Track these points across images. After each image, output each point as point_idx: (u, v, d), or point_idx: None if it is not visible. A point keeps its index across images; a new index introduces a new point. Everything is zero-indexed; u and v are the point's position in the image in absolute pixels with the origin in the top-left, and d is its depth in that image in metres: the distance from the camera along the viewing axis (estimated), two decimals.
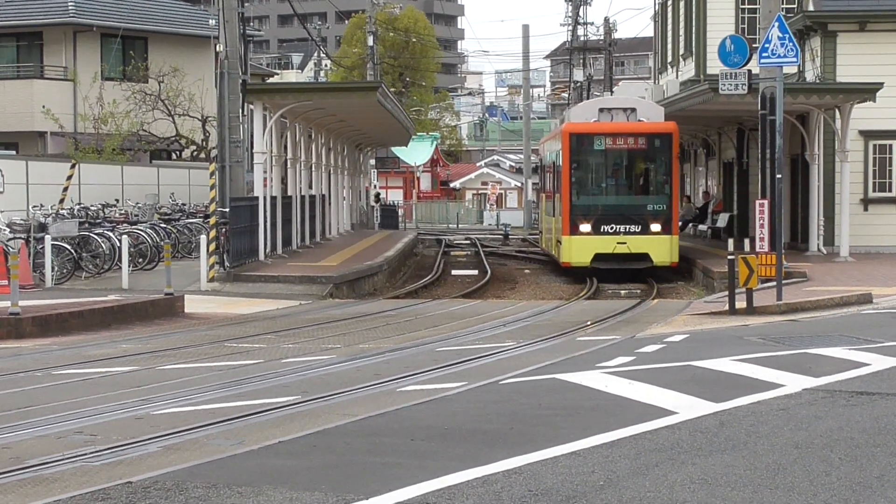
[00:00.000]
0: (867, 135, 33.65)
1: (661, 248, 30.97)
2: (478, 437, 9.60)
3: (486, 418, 10.42)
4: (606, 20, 66.63)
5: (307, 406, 11.48)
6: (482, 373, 13.48)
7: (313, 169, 39.45)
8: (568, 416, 10.43)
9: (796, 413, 10.36)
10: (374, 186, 70.09)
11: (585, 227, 31.36)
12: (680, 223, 35.16)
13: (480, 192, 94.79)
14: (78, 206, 31.85)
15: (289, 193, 34.97)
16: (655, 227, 31.16)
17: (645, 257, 30.99)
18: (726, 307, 20.29)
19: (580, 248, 31.24)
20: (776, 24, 21.63)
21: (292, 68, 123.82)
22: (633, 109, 32.29)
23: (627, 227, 31.18)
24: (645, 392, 11.51)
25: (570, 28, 67.04)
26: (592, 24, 67.64)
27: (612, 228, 31.19)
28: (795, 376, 12.34)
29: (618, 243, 31.04)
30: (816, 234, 32.41)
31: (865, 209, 33.70)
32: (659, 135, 31.59)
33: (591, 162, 32.25)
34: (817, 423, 9.90)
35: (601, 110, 32.56)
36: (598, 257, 31.08)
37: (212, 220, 27.77)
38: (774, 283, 21.09)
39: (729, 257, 20.40)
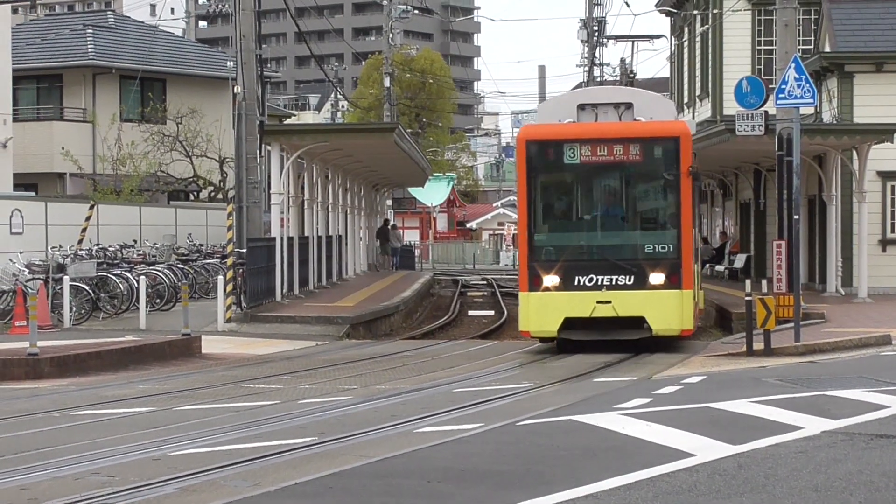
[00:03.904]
0: (885, 175, 33.60)
1: (664, 308, 21.24)
2: (494, 479, 9.57)
3: (503, 460, 10.40)
4: (623, 61, 66.79)
5: (323, 447, 11.47)
6: (499, 414, 13.45)
7: (330, 209, 39.55)
8: (585, 458, 10.40)
9: (815, 456, 10.31)
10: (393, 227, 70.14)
11: (551, 280, 21.43)
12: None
13: (497, 232, 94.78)
14: (96, 247, 31.99)
15: (306, 234, 35.04)
16: (656, 277, 21.33)
17: (639, 323, 21.32)
18: (744, 348, 20.22)
19: (543, 309, 21.41)
20: (792, 65, 21.67)
21: (309, 109, 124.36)
22: (629, 105, 22.45)
23: (613, 277, 21.35)
24: (662, 434, 11.46)
25: (587, 69, 67.24)
26: (609, 64, 67.77)
27: (590, 280, 21.41)
28: (814, 418, 12.27)
29: (598, 302, 21.28)
30: (834, 274, 32.31)
31: (884, 250, 33.60)
32: (659, 140, 21.79)
33: (559, 182, 22.64)
34: (836, 466, 9.85)
35: (581, 108, 22.51)
36: (571, 324, 21.39)
37: (229, 261, 27.84)
38: (792, 325, 21.03)
39: (746, 298, 20.34)
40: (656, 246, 21.76)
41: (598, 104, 22.63)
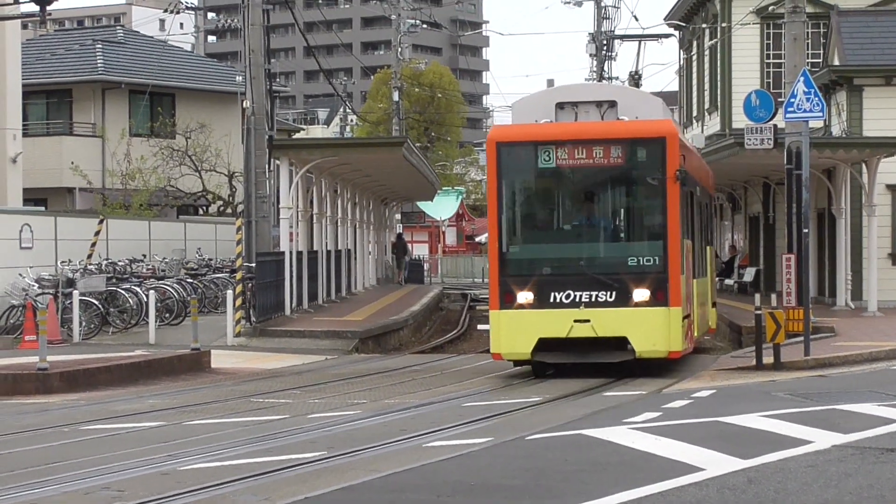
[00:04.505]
0: (894, 189, 33.54)
1: (648, 328, 19.30)
2: (504, 493, 9.56)
3: (512, 474, 10.39)
4: (631, 74, 66.79)
5: (333, 462, 11.47)
6: (508, 428, 13.45)
7: (339, 224, 39.58)
8: (594, 473, 10.39)
9: (825, 470, 10.28)
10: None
11: (524, 297, 19.50)
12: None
13: None
14: (105, 262, 32.01)
15: (314, 248, 35.08)
16: (640, 293, 19.35)
17: (621, 344, 19.39)
18: (753, 362, 20.18)
19: (515, 329, 19.51)
20: (802, 78, 21.67)
21: (318, 123, 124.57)
22: (612, 103, 20.44)
23: (592, 294, 19.39)
24: (672, 448, 11.45)
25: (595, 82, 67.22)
26: (617, 78, 67.73)
27: (567, 297, 19.41)
28: (824, 432, 12.25)
29: (576, 321, 19.33)
30: (844, 288, 32.26)
31: (893, 263, 33.50)
32: (643, 141, 19.82)
33: (533, 188, 20.69)
34: (847, 481, 9.82)
35: (560, 106, 20.45)
36: (546, 345, 19.48)
37: (238, 275, 27.88)
38: (802, 338, 21.00)
39: (756, 312, 20.31)
40: (640, 258, 19.74)
41: (578, 102, 20.55)
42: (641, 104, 20.79)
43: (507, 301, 19.57)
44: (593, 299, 19.38)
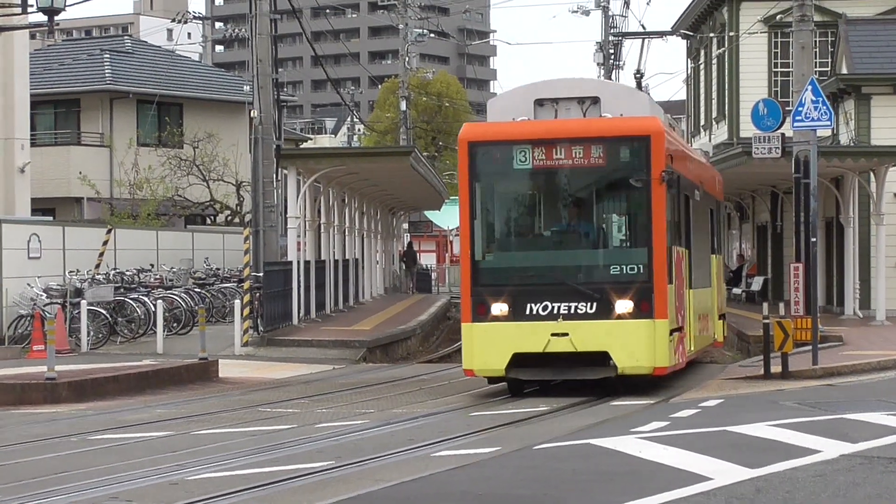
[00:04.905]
0: None
1: (632, 342, 17.84)
2: (511, 503, 9.55)
3: (520, 484, 10.38)
4: (639, 83, 66.57)
5: (341, 471, 11.47)
6: (515, 438, 13.44)
7: (346, 233, 39.61)
8: (602, 482, 10.38)
9: (833, 479, 10.27)
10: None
11: (498, 308, 18.07)
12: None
13: None
14: (113, 271, 32.07)
15: (322, 258, 35.10)
16: (623, 304, 17.90)
17: (602, 359, 17.91)
18: (761, 371, 20.16)
19: (489, 343, 18.08)
20: (809, 87, 21.67)
21: (326, 133, 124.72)
22: (595, 100, 18.92)
23: (571, 305, 17.93)
24: (680, 457, 11.44)
25: None
26: None
27: (544, 308, 17.97)
28: (832, 442, 12.23)
29: (553, 335, 17.89)
30: (852, 297, 32.22)
31: None
32: (625, 140, 18.39)
33: (507, 192, 19.14)
34: (855, 490, 9.81)
35: (540, 103, 19.00)
36: (521, 360, 18.04)
37: (246, 285, 27.91)
38: (810, 348, 20.96)
39: (764, 321, 20.29)
40: (623, 267, 18.19)
41: (558, 99, 19.03)
42: (626, 100, 19.34)
43: (480, 313, 18.19)
44: (572, 311, 17.95)
